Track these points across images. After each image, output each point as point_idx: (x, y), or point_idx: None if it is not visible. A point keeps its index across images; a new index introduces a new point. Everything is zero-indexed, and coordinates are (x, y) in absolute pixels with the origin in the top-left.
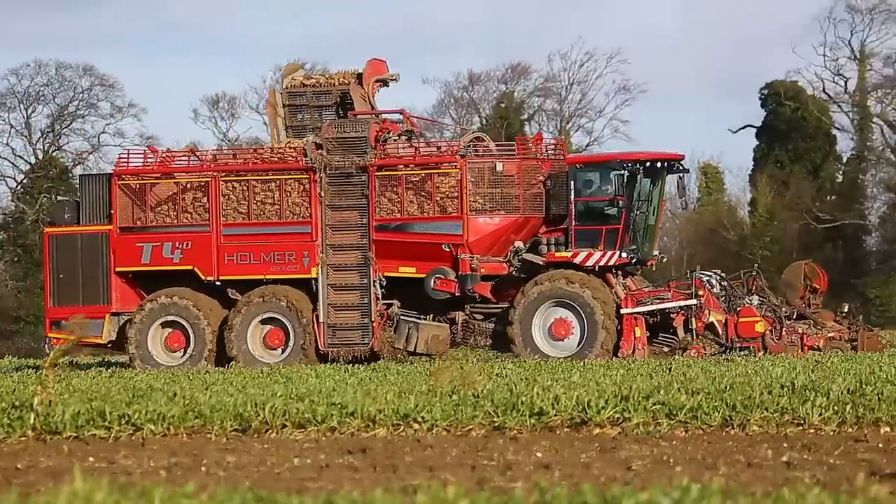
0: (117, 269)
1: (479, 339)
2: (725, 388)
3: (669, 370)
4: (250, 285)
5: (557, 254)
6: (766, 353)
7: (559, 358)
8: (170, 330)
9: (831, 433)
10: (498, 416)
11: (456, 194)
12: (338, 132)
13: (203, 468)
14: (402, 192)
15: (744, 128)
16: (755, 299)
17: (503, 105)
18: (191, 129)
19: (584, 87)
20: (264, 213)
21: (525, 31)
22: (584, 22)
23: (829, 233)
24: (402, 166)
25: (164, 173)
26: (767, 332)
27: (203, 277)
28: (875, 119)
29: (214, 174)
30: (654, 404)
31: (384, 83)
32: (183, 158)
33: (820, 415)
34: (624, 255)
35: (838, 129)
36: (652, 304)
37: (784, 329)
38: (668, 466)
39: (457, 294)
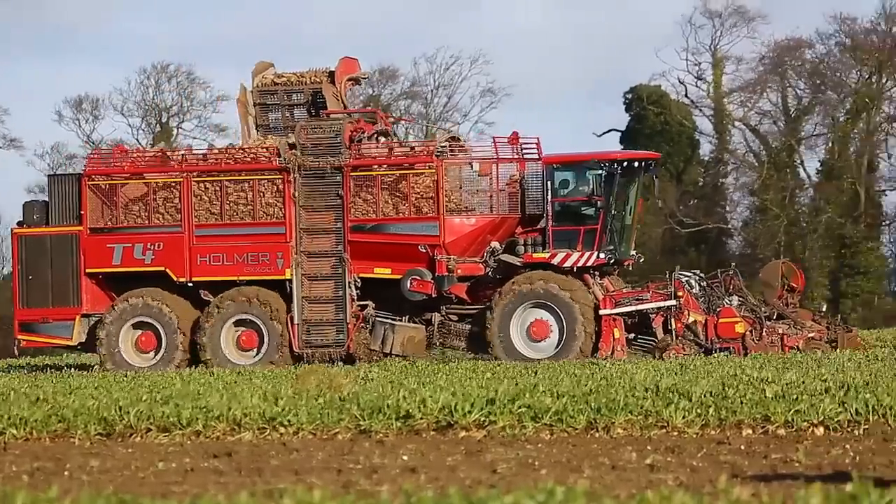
0: (88, 271)
1: (455, 340)
2: (590, 391)
3: (535, 373)
4: (223, 287)
5: (535, 255)
6: (746, 354)
7: (538, 359)
8: (141, 331)
9: (694, 435)
10: (364, 420)
11: (432, 195)
12: (312, 132)
13: (66, 473)
14: (377, 193)
15: (608, 132)
16: (735, 300)
17: (370, 108)
18: (55, 131)
19: (450, 90)
20: (237, 214)
21: (397, 34)
22: (453, 25)
23: (693, 237)
24: (377, 166)
25: (135, 173)
26: (747, 332)
27: (175, 279)
28: (736, 123)
29: (186, 174)
30: (520, 407)
31: (356, 81)
32: (154, 158)
33: (683, 417)
34: (602, 255)
35: (701, 133)
36: (631, 304)
37: (764, 329)
38: (533, 469)
39: (433, 295)
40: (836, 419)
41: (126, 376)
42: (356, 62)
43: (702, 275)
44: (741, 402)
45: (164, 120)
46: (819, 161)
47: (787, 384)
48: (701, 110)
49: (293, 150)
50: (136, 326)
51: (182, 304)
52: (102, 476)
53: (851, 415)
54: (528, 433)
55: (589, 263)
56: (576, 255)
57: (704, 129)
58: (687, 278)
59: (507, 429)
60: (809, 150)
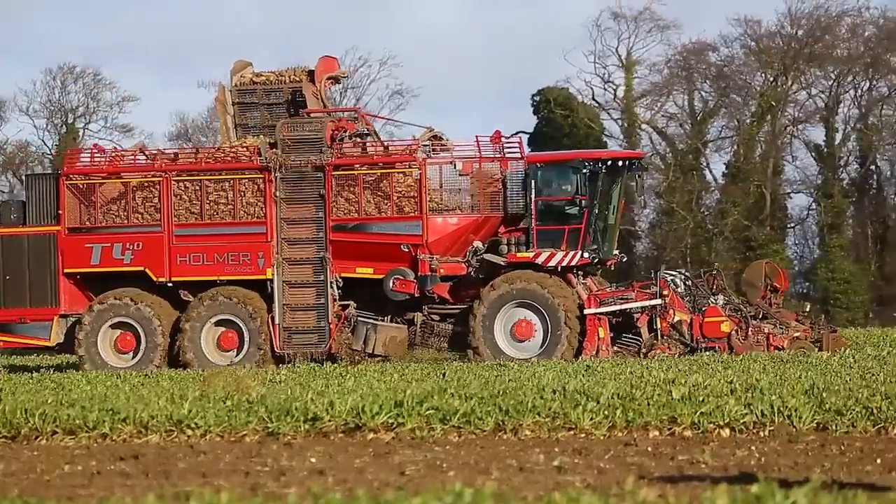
0: (66, 271)
1: (437, 340)
2: (498, 392)
3: (443, 375)
4: (203, 287)
5: (519, 254)
6: (731, 354)
7: (522, 359)
8: (120, 331)
9: (602, 437)
10: (272, 422)
11: (415, 194)
12: (293, 131)
13: None
14: (359, 192)
15: (516, 133)
16: (720, 299)
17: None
18: None
19: (358, 92)
20: (218, 214)
21: (308, 35)
22: (363, 27)
23: None
24: (359, 165)
25: (114, 173)
26: (733, 332)
27: (154, 279)
28: (644, 126)
29: (166, 174)
30: (428, 409)
31: (336, 80)
32: (133, 157)
33: (591, 419)
34: (586, 255)
35: (608, 136)
36: (615, 304)
37: (750, 329)
38: (441, 471)
39: (416, 295)
40: (741, 421)
41: (32, 378)
42: (335, 61)
43: (687, 273)
44: (648, 404)
45: (69, 121)
46: (725, 164)
47: (693, 386)
48: (609, 113)
49: (274, 150)
50: (114, 327)
51: (162, 304)
52: (7, 479)
53: (757, 416)
54: (437, 435)
55: (573, 263)
56: (560, 255)
57: (613, 132)
58: (672, 277)
59: (415, 431)
60: (715, 152)
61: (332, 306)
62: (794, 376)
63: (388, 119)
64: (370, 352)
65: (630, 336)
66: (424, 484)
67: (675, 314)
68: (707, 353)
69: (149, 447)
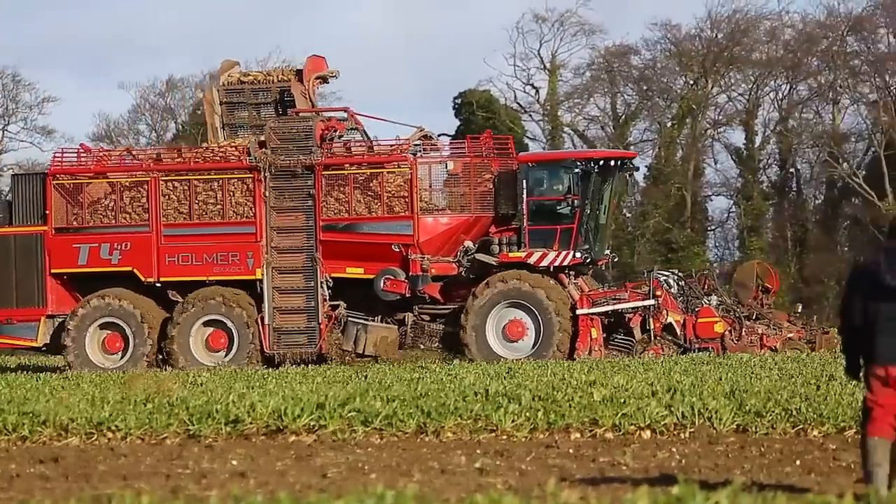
0: (53, 271)
1: (428, 340)
2: (420, 395)
3: (365, 377)
4: (191, 287)
5: (511, 254)
6: (725, 354)
7: (514, 359)
8: (108, 332)
9: (523, 439)
10: (193, 424)
11: (406, 194)
12: (282, 130)
13: None
14: (349, 192)
15: (439, 136)
16: (714, 299)
17: (199, 112)
18: None
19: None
20: (206, 214)
21: (232, 36)
22: (287, 29)
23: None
24: (349, 165)
25: (102, 172)
26: (727, 332)
27: (143, 279)
28: (566, 128)
29: (154, 173)
30: (350, 411)
31: (324, 80)
32: (122, 157)
33: (512, 421)
34: (578, 254)
35: (531, 138)
36: (608, 304)
37: (744, 329)
38: (363, 473)
39: (407, 295)
40: (662, 422)
41: None
42: (323, 60)
43: (680, 274)
44: (570, 406)
45: None
46: (646, 166)
47: (614, 388)
48: (530, 115)
49: (263, 149)
50: (102, 327)
51: (150, 304)
52: None
53: (678, 418)
54: (359, 437)
55: (565, 263)
56: (552, 255)
57: (535, 135)
58: (665, 277)
59: (337, 433)
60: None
61: (322, 307)
62: (714, 378)
63: (378, 118)
64: (360, 352)
65: (622, 336)
66: (346, 486)
67: (668, 315)
68: (701, 353)
69: (69, 450)
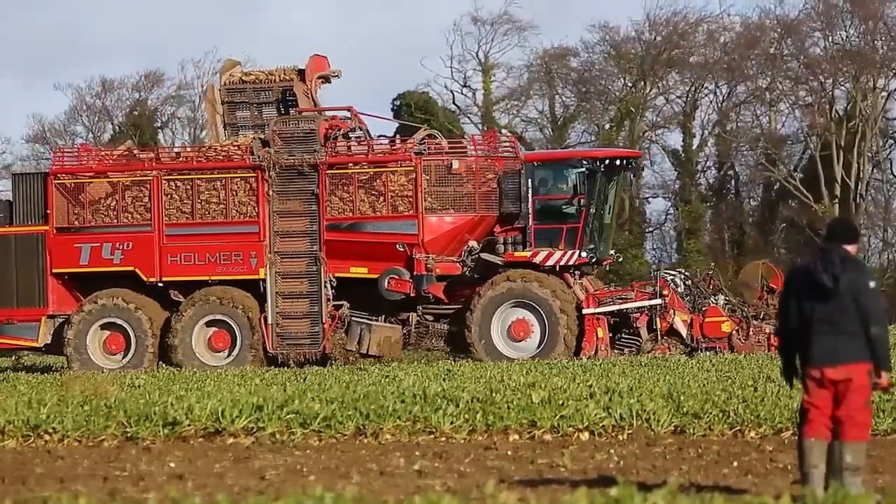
0: (54, 271)
1: (432, 340)
2: (359, 397)
3: (304, 379)
4: (194, 287)
5: (517, 253)
6: (732, 354)
7: (519, 359)
8: (109, 332)
9: (462, 441)
10: (131, 427)
11: (410, 193)
12: (286, 129)
13: None
14: (354, 191)
15: (378, 137)
16: (721, 299)
17: (136, 113)
18: None
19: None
20: (209, 213)
21: (171, 37)
22: (227, 30)
23: None
24: (353, 164)
25: (103, 172)
26: (734, 332)
27: (145, 279)
28: (503, 130)
29: (157, 173)
30: (289, 413)
31: (326, 80)
32: (123, 157)
33: (451, 423)
34: (583, 254)
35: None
36: (614, 303)
37: (751, 329)
38: (301, 475)
39: (412, 295)
40: (601, 424)
41: None
42: (326, 60)
43: (687, 273)
44: (508, 408)
45: None
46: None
47: (553, 390)
48: (468, 117)
49: (267, 148)
50: (104, 327)
51: (152, 304)
52: None
53: (616, 420)
54: (297, 439)
55: (571, 262)
56: (558, 254)
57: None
58: (672, 277)
59: (275, 435)
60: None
61: (325, 306)
62: (652, 380)
63: (381, 118)
64: (364, 352)
65: (628, 336)
66: (285, 488)
67: (675, 314)
68: (708, 353)
69: (5, 452)
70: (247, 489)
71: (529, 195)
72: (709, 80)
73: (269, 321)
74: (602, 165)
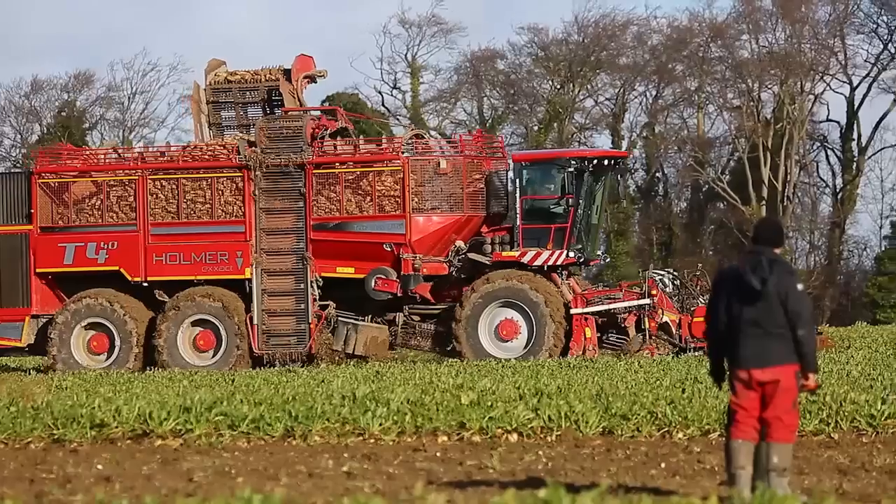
0: (38, 271)
1: (419, 340)
2: (288, 398)
3: (232, 381)
4: (179, 287)
5: (504, 253)
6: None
7: (507, 359)
8: (93, 332)
9: (391, 443)
10: (58, 429)
11: (397, 192)
12: (273, 128)
13: None
14: (341, 191)
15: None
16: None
17: (65, 114)
18: None
19: (147, 96)
20: (195, 213)
21: (103, 38)
22: (159, 31)
23: None
24: (340, 164)
25: (88, 171)
26: None
27: (130, 279)
28: (432, 131)
29: (142, 172)
30: (217, 415)
31: (312, 79)
32: (109, 156)
33: (380, 425)
34: (571, 254)
35: None
36: (603, 303)
37: None
38: (230, 477)
39: (399, 294)
40: (529, 426)
41: None
42: (311, 60)
43: (675, 273)
44: (437, 410)
45: None
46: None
47: (482, 392)
48: (398, 119)
49: (253, 148)
50: (88, 327)
51: (136, 304)
52: None
53: (545, 421)
54: (226, 441)
55: (559, 262)
56: (546, 254)
57: None
58: (661, 277)
59: (203, 437)
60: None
61: (312, 306)
62: (580, 381)
63: (369, 118)
64: (350, 352)
65: (616, 336)
66: (213, 490)
67: (663, 314)
68: (697, 353)
69: None
70: (175, 491)
71: (517, 195)
72: (637, 83)
73: (255, 321)
74: (590, 165)
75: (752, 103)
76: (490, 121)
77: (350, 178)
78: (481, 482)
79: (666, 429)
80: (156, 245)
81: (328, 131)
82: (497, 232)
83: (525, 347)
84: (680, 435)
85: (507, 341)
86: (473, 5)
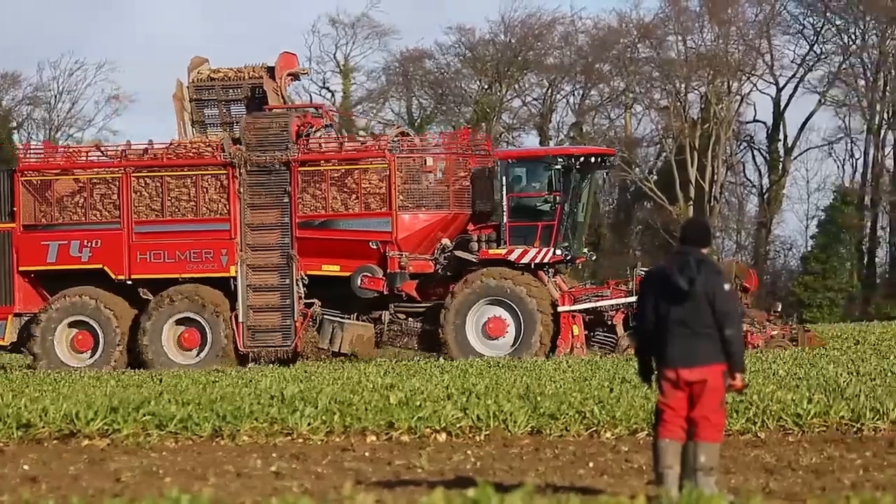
0: (21, 269)
1: (404, 339)
2: (216, 398)
3: (160, 381)
4: (163, 285)
5: (492, 251)
6: None
7: (494, 357)
8: (76, 330)
9: (319, 442)
10: None
11: (384, 190)
12: (258, 126)
13: None
14: (326, 188)
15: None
16: None
17: None
18: None
19: (74, 96)
20: (179, 210)
21: (30, 38)
22: (89, 31)
23: None
24: (325, 161)
25: (71, 168)
26: None
27: (114, 277)
28: (361, 132)
29: (125, 169)
30: (145, 415)
31: (295, 77)
32: (92, 153)
33: (308, 424)
34: (558, 252)
35: None
36: (590, 301)
37: None
38: (157, 477)
39: (385, 292)
40: (458, 425)
41: None
42: (295, 57)
43: None
44: (366, 409)
45: None
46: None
47: (410, 391)
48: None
49: (238, 145)
50: (71, 326)
51: (120, 302)
52: None
53: (473, 421)
54: (153, 441)
55: (546, 260)
56: (533, 252)
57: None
58: None
59: (131, 437)
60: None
61: (297, 304)
62: (509, 381)
63: (352, 115)
64: (336, 350)
65: (604, 333)
66: (141, 491)
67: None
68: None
69: None
70: (102, 491)
71: (504, 192)
72: (564, 83)
73: (241, 319)
74: (577, 163)
75: (679, 104)
76: (419, 120)
77: (336, 175)
78: (410, 482)
79: (594, 428)
80: (140, 243)
81: (313, 129)
82: (483, 230)
83: (512, 345)
84: (608, 434)
85: (494, 339)
86: (402, 6)
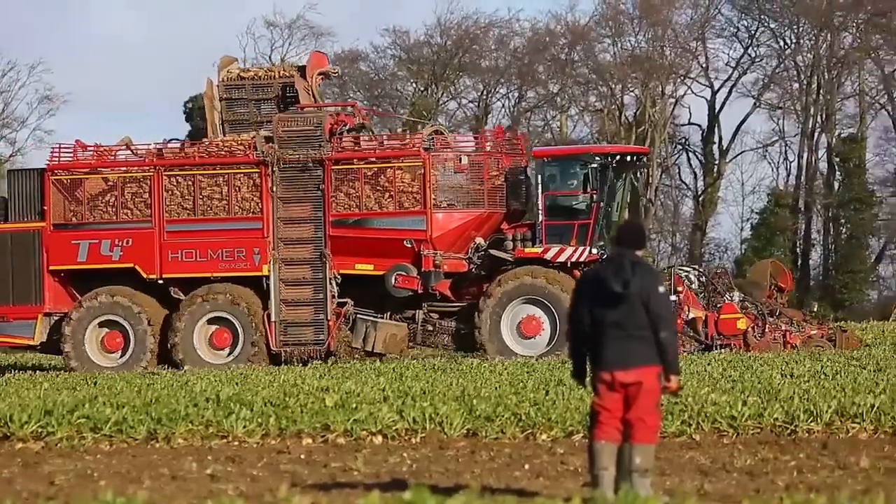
0: (51, 268)
1: (438, 338)
2: (151, 401)
3: (95, 384)
4: (195, 284)
5: (527, 249)
6: (747, 351)
7: (530, 356)
8: (107, 330)
9: (255, 445)
10: None
11: (418, 189)
12: (291, 125)
13: None
14: (360, 187)
15: (170, 140)
16: (736, 296)
17: None
18: None
19: (6, 97)
20: (211, 209)
21: None
22: (35, 33)
23: None
24: (357, 160)
25: (102, 167)
26: (749, 329)
27: (145, 276)
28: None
29: (157, 168)
30: (79, 418)
31: (326, 76)
32: (123, 152)
33: (244, 427)
34: (594, 250)
35: None
36: None
37: (767, 326)
38: (92, 480)
39: (419, 291)
40: (394, 428)
41: None
42: (325, 57)
43: (701, 269)
44: (301, 412)
45: None
46: None
47: (346, 393)
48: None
49: (271, 144)
50: (102, 325)
51: (151, 302)
52: None
53: (409, 423)
54: (88, 444)
55: (582, 259)
56: (569, 250)
57: None
58: (686, 273)
59: (65, 440)
60: None
61: (330, 303)
62: (445, 383)
63: (385, 114)
64: (369, 350)
65: None
66: (75, 494)
67: (689, 311)
68: (723, 350)
69: None
70: (36, 495)
71: (539, 191)
72: (500, 85)
73: (273, 318)
74: (613, 161)
75: (614, 106)
76: None
77: (369, 173)
78: (346, 484)
79: (530, 430)
80: (171, 242)
81: (346, 127)
82: (518, 228)
83: (548, 345)
84: (544, 436)
85: (529, 338)
86: (338, 6)
